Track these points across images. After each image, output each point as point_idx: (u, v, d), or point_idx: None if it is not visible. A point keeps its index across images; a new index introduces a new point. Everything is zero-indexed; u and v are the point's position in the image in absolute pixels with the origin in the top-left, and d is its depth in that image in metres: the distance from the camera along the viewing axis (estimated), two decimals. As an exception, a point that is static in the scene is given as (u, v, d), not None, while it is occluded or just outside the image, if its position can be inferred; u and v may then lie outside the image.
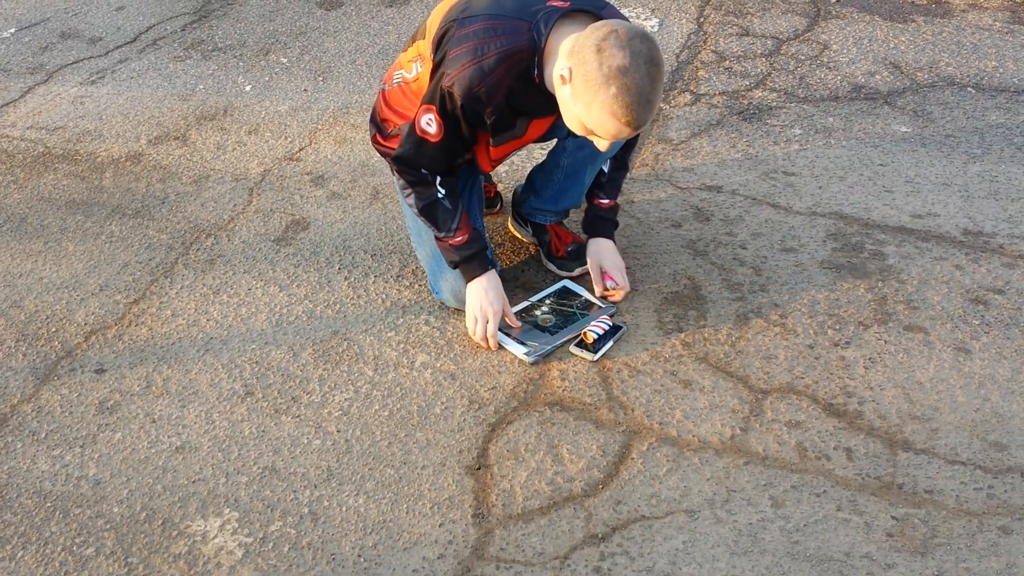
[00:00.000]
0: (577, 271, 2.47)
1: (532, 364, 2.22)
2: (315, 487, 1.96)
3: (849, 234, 2.57)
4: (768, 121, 3.14)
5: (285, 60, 3.78)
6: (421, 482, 1.96)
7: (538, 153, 2.98)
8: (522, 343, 2.25)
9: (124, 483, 2.00)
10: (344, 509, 1.91)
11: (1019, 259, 2.44)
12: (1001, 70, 3.38)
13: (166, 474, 2.01)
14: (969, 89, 3.27)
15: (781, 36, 3.71)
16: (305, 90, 3.54)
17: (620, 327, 2.28)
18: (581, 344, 2.24)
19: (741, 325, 2.30)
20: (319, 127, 3.28)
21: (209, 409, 2.16)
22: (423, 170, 2.18)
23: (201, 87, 3.60)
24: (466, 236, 2.23)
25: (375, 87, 3.52)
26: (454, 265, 2.27)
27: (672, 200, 2.76)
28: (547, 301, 2.39)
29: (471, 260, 2.24)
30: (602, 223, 2.44)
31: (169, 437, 2.10)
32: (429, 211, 2.22)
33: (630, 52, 1.79)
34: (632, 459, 1.98)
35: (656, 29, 3.80)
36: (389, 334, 2.34)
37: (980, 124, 3.06)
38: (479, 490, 1.94)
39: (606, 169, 2.39)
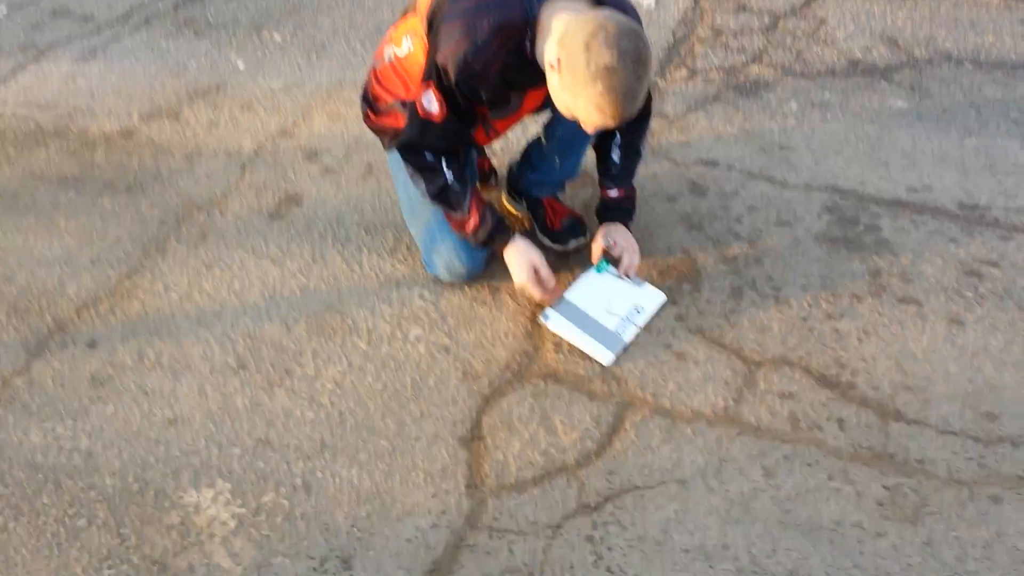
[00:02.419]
0: (572, 244, 2.46)
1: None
2: (308, 459, 1.96)
3: (844, 207, 2.57)
4: (765, 96, 3.13)
5: (278, 37, 3.76)
6: (414, 453, 1.96)
7: (533, 128, 2.96)
8: (598, 343, 2.19)
9: (116, 455, 2.00)
10: (337, 480, 1.91)
11: (1013, 232, 2.44)
12: (998, 45, 3.36)
13: (159, 446, 2.01)
14: (966, 64, 3.26)
15: (778, 11, 3.68)
16: (298, 67, 3.52)
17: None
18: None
19: (735, 298, 2.29)
20: (312, 103, 3.26)
21: (202, 382, 2.16)
22: (428, 153, 2.16)
23: (194, 64, 3.58)
24: (478, 215, 2.20)
25: (369, 63, 3.50)
26: (482, 246, 2.27)
27: (668, 174, 2.75)
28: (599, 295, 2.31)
29: (492, 237, 2.23)
30: (614, 211, 2.39)
31: (161, 409, 2.09)
32: (441, 196, 2.20)
33: (618, 51, 1.79)
34: (625, 430, 1.98)
35: (653, 5, 3.78)
36: (383, 307, 2.34)
37: (977, 99, 3.05)
38: (472, 461, 1.94)
39: (616, 159, 2.35)
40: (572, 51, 1.83)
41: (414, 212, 2.38)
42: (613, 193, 2.37)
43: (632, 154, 2.35)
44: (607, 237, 2.34)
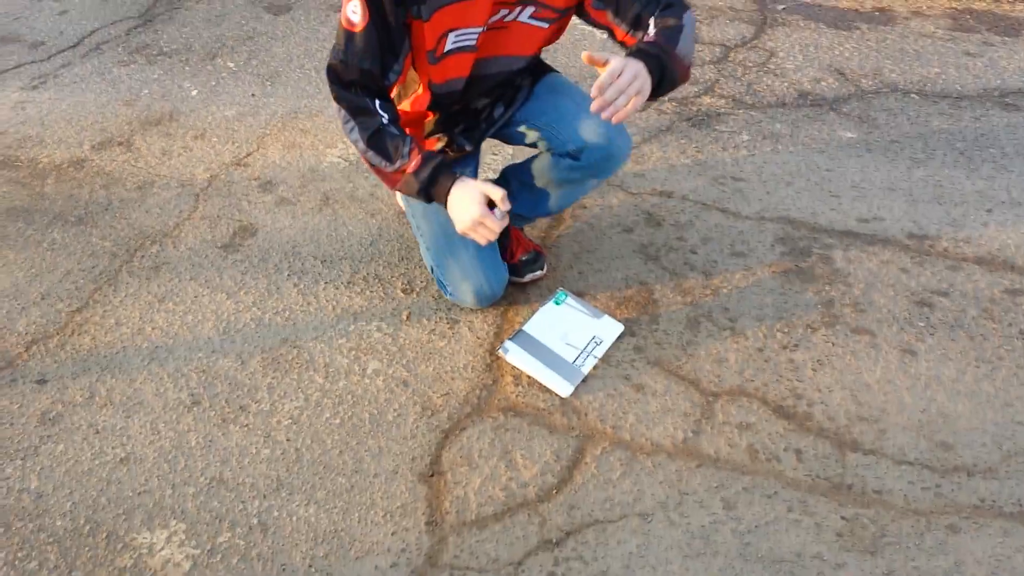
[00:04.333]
0: (528, 277, 2.45)
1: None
2: (264, 497, 1.93)
3: (797, 238, 2.60)
4: (717, 127, 3.17)
5: (232, 65, 3.73)
6: (373, 490, 1.94)
7: (509, 151, 2.97)
8: (557, 375, 2.18)
9: (67, 495, 1.95)
10: (294, 519, 1.88)
11: (963, 262, 2.49)
12: (943, 76, 3.44)
13: (110, 486, 1.96)
14: (912, 95, 3.33)
15: (729, 43, 3.74)
16: (253, 95, 3.50)
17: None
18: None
19: (692, 329, 2.31)
20: (267, 132, 3.24)
21: (154, 419, 2.12)
22: (358, 91, 2.01)
23: (146, 92, 3.54)
24: (419, 156, 2.00)
25: (324, 91, 3.49)
26: (425, 195, 2.04)
27: (623, 205, 2.77)
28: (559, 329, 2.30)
29: (435, 178, 2.01)
30: (643, 54, 1.89)
31: (113, 448, 2.05)
32: (377, 141, 2.01)
33: None
34: (586, 463, 1.98)
35: (606, 36, 3.81)
36: (340, 341, 2.31)
37: (923, 130, 3.12)
38: (432, 497, 1.92)
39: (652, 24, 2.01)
40: None
41: (451, 242, 2.27)
42: (659, 39, 1.97)
43: (676, 14, 2.02)
44: (618, 61, 1.82)
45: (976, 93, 3.32)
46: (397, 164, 2.02)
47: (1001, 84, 3.37)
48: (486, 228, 1.97)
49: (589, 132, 2.15)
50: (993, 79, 3.40)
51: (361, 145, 2.03)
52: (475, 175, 2.37)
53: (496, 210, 1.96)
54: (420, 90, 2.16)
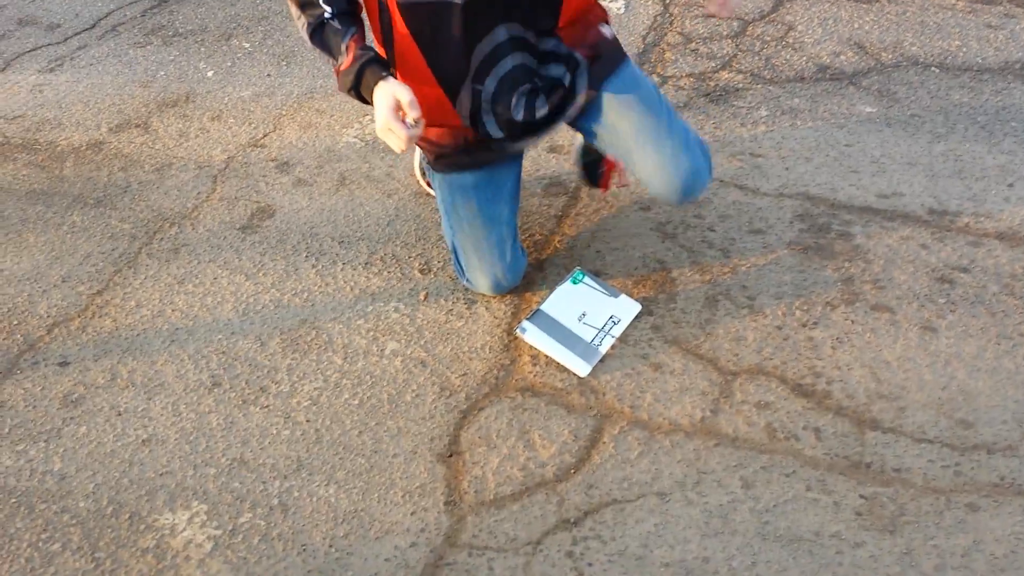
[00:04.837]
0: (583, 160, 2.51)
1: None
2: (285, 478, 1.95)
3: (816, 215, 2.58)
4: (735, 103, 3.14)
5: (248, 45, 3.73)
6: (392, 471, 1.95)
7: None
8: (575, 355, 2.17)
9: (90, 477, 1.97)
10: (314, 499, 1.90)
11: (983, 237, 2.46)
12: (964, 49, 3.39)
13: (133, 467, 1.99)
14: (933, 69, 3.29)
15: (747, 17, 3.70)
16: (268, 75, 3.49)
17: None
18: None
19: (710, 307, 2.30)
20: (283, 113, 3.24)
21: (176, 401, 2.13)
22: None
23: (162, 73, 3.54)
24: (353, 53, 1.86)
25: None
26: (358, 96, 1.89)
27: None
28: (577, 309, 2.30)
29: (362, 76, 1.85)
30: None
31: (135, 430, 2.07)
32: (319, 37, 1.89)
33: None
34: (603, 443, 1.98)
35: (622, 11, 3.78)
36: (358, 322, 2.32)
37: (944, 103, 3.08)
38: (451, 477, 1.93)
39: None
40: None
41: (474, 229, 2.25)
42: None
43: None
44: None
45: (998, 66, 3.28)
46: (338, 61, 1.88)
47: (1023, 57, 3.32)
48: (394, 136, 1.83)
49: (668, 177, 2.07)
50: (1015, 52, 3.36)
51: (308, 43, 1.92)
52: (516, 188, 2.27)
53: (407, 118, 1.82)
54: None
